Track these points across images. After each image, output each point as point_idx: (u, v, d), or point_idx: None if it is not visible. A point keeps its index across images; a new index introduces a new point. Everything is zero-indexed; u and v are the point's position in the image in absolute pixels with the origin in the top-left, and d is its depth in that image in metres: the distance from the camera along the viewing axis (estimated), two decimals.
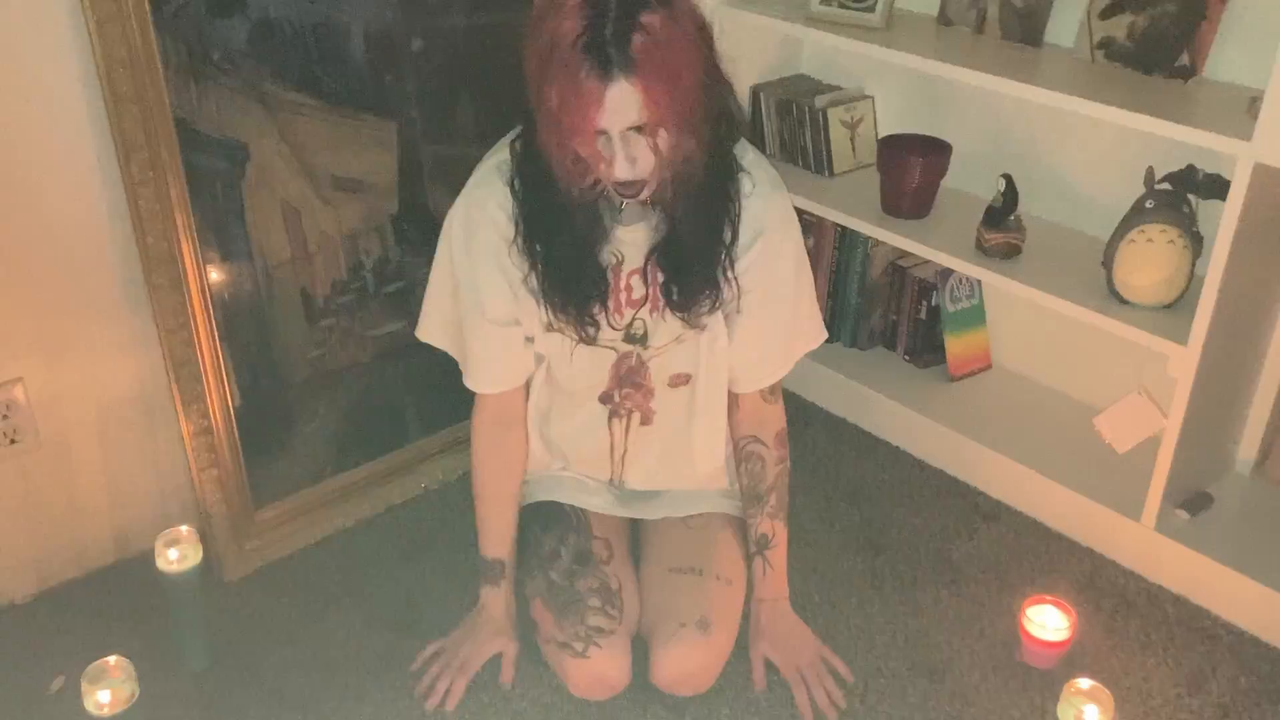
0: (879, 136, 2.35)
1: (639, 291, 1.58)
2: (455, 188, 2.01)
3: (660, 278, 1.55)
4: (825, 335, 1.75)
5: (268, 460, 1.94)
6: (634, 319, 1.59)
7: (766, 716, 1.68)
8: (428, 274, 1.88)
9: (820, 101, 2.33)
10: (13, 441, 1.75)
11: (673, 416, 1.71)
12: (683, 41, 1.34)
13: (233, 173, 1.78)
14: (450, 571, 1.93)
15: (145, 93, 1.63)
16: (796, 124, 2.37)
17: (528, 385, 1.72)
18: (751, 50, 2.41)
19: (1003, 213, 2.04)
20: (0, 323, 1.69)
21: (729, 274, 1.56)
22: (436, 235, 1.77)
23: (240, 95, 1.74)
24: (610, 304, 1.56)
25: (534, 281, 1.54)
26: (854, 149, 2.38)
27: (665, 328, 1.60)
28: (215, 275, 1.79)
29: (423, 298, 1.70)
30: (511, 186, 1.52)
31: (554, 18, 1.32)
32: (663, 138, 1.37)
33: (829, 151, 2.34)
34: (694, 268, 1.53)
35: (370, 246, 1.97)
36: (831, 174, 2.36)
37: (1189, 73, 1.87)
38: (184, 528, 1.71)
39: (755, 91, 2.43)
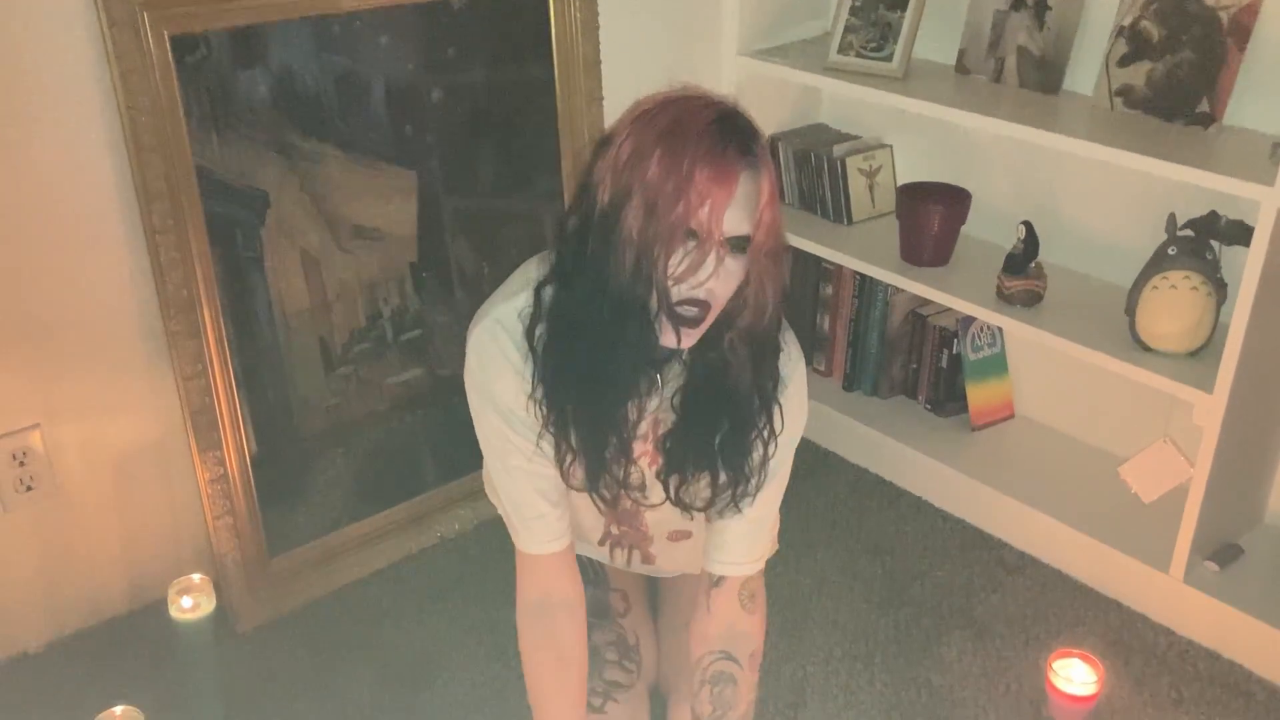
0: (898, 185, 2.35)
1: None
2: (474, 237, 2.03)
3: (661, 461, 1.38)
4: (776, 547, 1.58)
5: (283, 509, 1.93)
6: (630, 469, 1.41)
7: None
8: (446, 322, 1.89)
9: (839, 151, 2.34)
10: (29, 488, 1.75)
11: (674, 561, 1.61)
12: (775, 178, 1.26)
13: (253, 221, 1.79)
14: (466, 625, 1.90)
15: (167, 142, 1.65)
16: (815, 173, 2.37)
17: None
18: (770, 101, 2.42)
19: (1023, 260, 2.03)
20: (18, 369, 1.70)
21: (762, 462, 1.37)
22: (455, 284, 1.76)
23: (261, 145, 1.76)
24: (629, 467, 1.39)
25: (548, 442, 1.36)
26: (873, 198, 2.38)
27: (661, 487, 1.42)
28: (233, 323, 1.79)
29: (441, 345, 1.62)
30: (531, 337, 1.31)
31: (667, 112, 1.21)
32: (756, 262, 1.23)
33: (848, 200, 2.34)
34: (708, 454, 1.34)
35: (389, 295, 1.97)
36: (850, 222, 2.36)
37: (1209, 119, 1.86)
38: (197, 576, 1.69)
39: (774, 141, 2.43)
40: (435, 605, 1.96)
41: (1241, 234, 1.78)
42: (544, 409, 1.32)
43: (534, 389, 1.32)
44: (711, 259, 1.20)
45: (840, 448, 2.38)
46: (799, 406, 1.42)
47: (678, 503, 1.39)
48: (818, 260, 2.39)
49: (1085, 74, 2.03)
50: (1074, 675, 1.71)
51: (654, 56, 2.23)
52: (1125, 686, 1.80)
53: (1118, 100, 1.96)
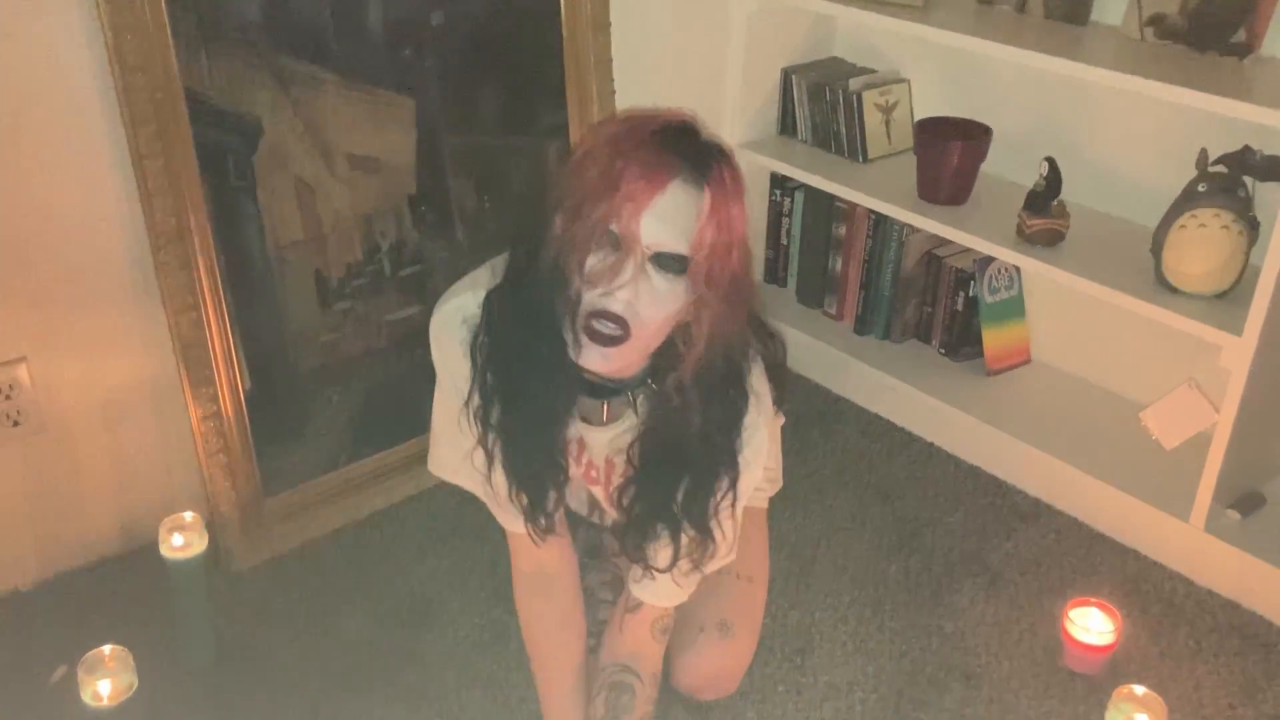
0: (915, 120, 2.27)
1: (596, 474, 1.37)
2: (474, 170, 1.97)
3: (619, 517, 1.32)
4: (733, 557, 1.41)
5: (279, 448, 1.88)
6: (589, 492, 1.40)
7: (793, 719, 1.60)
8: (446, 257, 1.81)
9: (854, 85, 2.26)
10: (15, 424, 1.70)
11: None
12: (741, 207, 1.15)
13: (245, 148, 1.72)
14: (464, 568, 1.86)
15: (153, 62, 1.58)
16: (829, 108, 2.29)
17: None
18: (783, 32, 2.34)
19: (1045, 197, 1.96)
20: (2, 300, 1.64)
21: (716, 521, 1.29)
22: (455, 218, 1.70)
23: (253, 68, 1.69)
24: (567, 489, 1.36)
25: (482, 453, 1.31)
26: (889, 134, 2.30)
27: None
28: (225, 255, 1.73)
29: (441, 281, 1.55)
30: (474, 343, 1.26)
31: (625, 123, 1.17)
32: (698, 293, 1.14)
33: (863, 136, 2.27)
34: (668, 511, 1.27)
35: (387, 228, 1.90)
36: (865, 159, 2.28)
37: (1245, 50, 1.78)
38: (188, 514, 1.65)
39: (786, 75, 2.36)
40: (433, 548, 1.91)
41: (1277, 169, 1.71)
42: (478, 422, 1.27)
43: (469, 398, 1.26)
44: (629, 266, 1.11)
45: (851, 392, 2.32)
46: (756, 467, 1.31)
47: (637, 559, 1.32)
48: (831, 199, 2.32)
49: (1114, 3, 1.95)
50: (1091, 624, 1.68)
51: None
52: (1142, 637, 1.75)
53: (1148, 30, 1.87)
